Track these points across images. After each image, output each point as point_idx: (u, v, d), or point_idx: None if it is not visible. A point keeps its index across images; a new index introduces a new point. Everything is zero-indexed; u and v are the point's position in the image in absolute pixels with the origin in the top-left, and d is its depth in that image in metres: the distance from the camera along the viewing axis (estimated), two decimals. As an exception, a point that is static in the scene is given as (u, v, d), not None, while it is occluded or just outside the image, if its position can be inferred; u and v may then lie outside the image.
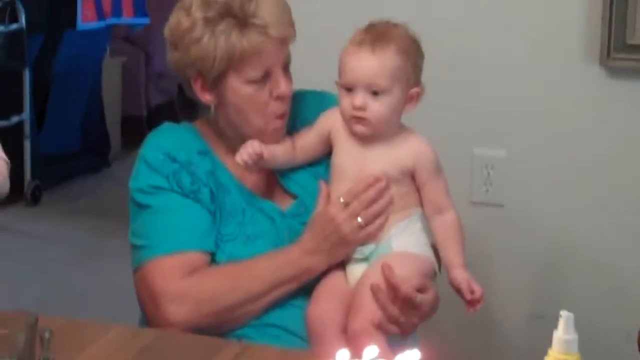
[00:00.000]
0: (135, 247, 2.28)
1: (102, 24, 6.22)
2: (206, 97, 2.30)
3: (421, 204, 2.25)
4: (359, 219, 2.19)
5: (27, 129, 6.01)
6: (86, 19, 6.08)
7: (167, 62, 2.33)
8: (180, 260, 2.21)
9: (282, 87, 2.25)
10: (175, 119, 7.73)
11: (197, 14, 2.22)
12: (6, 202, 5.69)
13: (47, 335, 1.94)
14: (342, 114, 2.22)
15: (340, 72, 2.22)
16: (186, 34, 2.24)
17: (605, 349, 2.52)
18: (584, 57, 2.87)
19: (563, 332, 1.58)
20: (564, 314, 1.58)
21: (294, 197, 2.36)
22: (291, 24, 2.28)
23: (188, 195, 2.26)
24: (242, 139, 2.27)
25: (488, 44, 2.94)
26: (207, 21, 2.21)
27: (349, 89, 2.18)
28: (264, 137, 2.26)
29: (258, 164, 2.26)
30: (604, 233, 2.92)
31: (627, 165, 2.88)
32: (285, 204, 2.35)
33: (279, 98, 2.26)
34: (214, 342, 2.10)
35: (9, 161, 2.64)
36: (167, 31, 2.30)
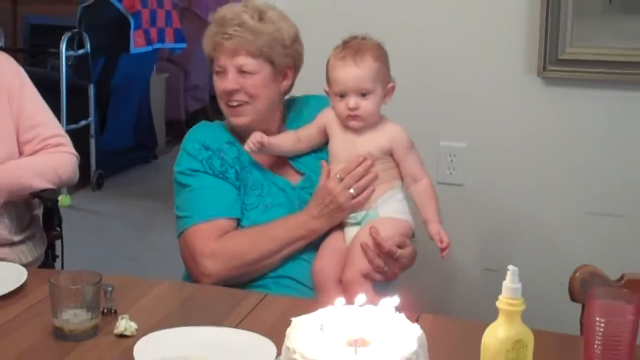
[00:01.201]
0: (178, 218, 2.31)
1: (149, 48, 6.20)
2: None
3: (401, 177, 2.27)
4: (351, 191, 2.22)
5: (92, 130, 6.00)
6: (137, 45, 6.07)
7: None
8: (213, 226, 2.25)
9: (227, 84, 2.32)
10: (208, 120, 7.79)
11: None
12: (76, 188, 5.74)
13: (109, 289, 1.96)
14: (339, 115, 2.25)
15: (331, 82, 2.25)
16: None
17: (544, 295, 2.52)
18: (526, 69, 2.88)
19: (510, 282, 1.58)
20: (510, 267, 1.58)
21: (302, 174, 2.38)
22: (244, 42, 2.30)
23: (217, 176, 2.29)
24: (245, 134, 2.34)
25: (450, 59, 2.96)
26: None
27: (342, 95, 2.20)
28: (229, 121, 2.38)
29: (262, 150, 2.30)
30: (542, 205, 2.93)
31: (559, 153, 2.90)
32: (295, 180, 2.38)
33: (225, 93, 2.33)
34: (239, 293, 2.12)
35: (78, 156, 2.65)
36: None
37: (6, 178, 2.43)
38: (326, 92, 2.30)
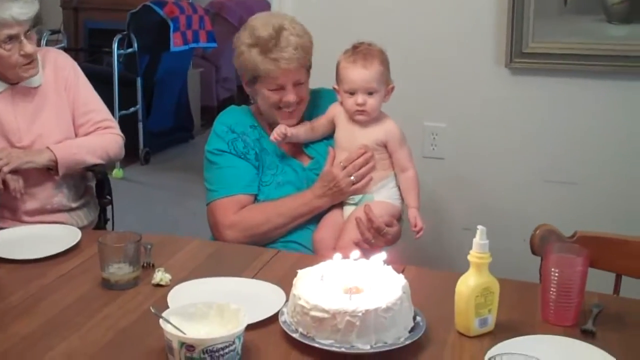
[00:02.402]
0: (207, 190, 2.29)
1: (186, 47, 6.15)
2: (247, 90, 2.33)
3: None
4: (352, 178, 2.19)
5: (139, 115, 5.97)
6: (176, 44, 6.03)
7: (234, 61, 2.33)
8: (233, 200, 2.22)
9: (289, 97, 2.23)
10: (236, 107, 7.78)
11: (245, 37, 2.25)
12: (127, 163, 5.74)
13: (148, 247, 1.96)
14: (347, 109, 2.21)
15: (341, 80, 2.20)
16: (237, 48, 2.28)
17: (509, 250, 2.51)
18: (495, 61, 2.85)
19: (479, 239, 1.57)
20: (479, 227, 1.57)
21: (312, 157, 2.34)
22: (303, 58, 2.22)
23: (240, 156, 2.26)
24: (266, 117, 2.31)
25: (432, 53, 2.94)
26: (248, 45, 2.23)
27: (351, 93, 2.17)
28: (276, 120, 2.28)
29: (285, 140, 2.26)
30: (508, 174, 2.93)
31: (523, 131, 2.89)
32: (306, 162, 2.34)
33: (287, 104, 2.24)
34: (256, 250, 2.11)
35: (124, 136, 2.64)
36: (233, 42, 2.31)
37: (64, 154, 2.41)
38: (335, 89, 2.26)
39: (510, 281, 1.78)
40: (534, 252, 2.03)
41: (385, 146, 2.22)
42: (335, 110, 2.28)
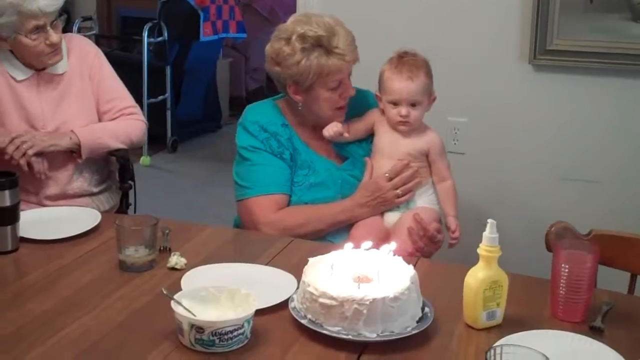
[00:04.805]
0: (239, 185, 2.27)
1: (216, 37, 6.19)
2: (297, 97, 2.25)
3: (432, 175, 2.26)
4: (398, 191, 2.19)
5: (168, 103, 6.01)
6: (206, 34, 6.06)
7: (268, 71, 2.27)
8: (272, 199, 2.21)
9: (350, 91, 2.23)
10: (263, 98, 7.79)
11: (297, 44, 2.17)
12: (155, 150, 5.80)
13: (167, 231, 1.99)
14: (390, 119, 2.22)
15: (385, 90, 2.21)
16: (288, 58, 2.18)
17: (525, 246, 2.50)
18: (518, 57, 2.85)
19: (489, 232, 1.58)
20: (489, 221, 1.58)
21: (345, 158, 2.33)
22: (356, 51, 2.22)
23: (276, 155, 2.24)
24: (316, 120, 2.27)
25: (456, 51, 2.93)
26: (304, 50, 2.16)
27: (395, 103, 2.18)
28: (330, 121, 2.25)
29: (335, 139, 2.26)
30: (526, 170, 2.93)
31: (544, 127, 2.88)
32: (339, 162, 2.33)
33: (345, 98, 2.23)
34: (271, 237, 2.12)
35: (147, 123, 2.67)
36: (270, 53, 2.23)
37: (88, 138, 2.45)
38: (377, 97, 2.26)
39: (521, 276, 1.79)
40: (548, 249, 2.03)
41: (426, 155, 2.23)
42: (374, 117, 2.28)
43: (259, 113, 2.31)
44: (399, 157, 2.21)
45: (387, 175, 2.19)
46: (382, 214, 2.23)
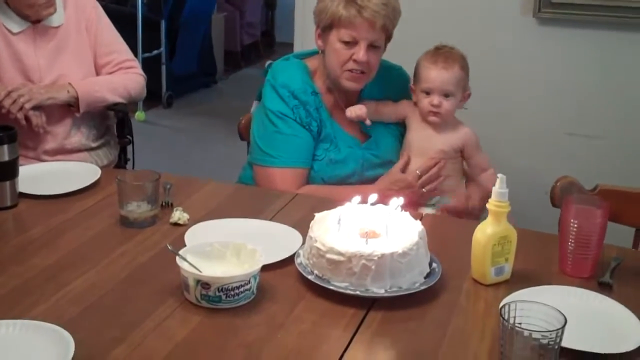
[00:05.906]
0: (261, 150, 2.21)
1: (211, -9, 6.13)
2: (318, 43, 2.22)
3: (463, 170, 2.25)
4: (424, 190, 2.17)
5: (163, 58, 5.96)
6: (201, -13, 6.00)
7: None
8: (295, 173, 2.18)
9: (359, 55, 2.13)
10: (258, 53, 7.73)
11: None
12: (150, 106, 5.75)
13: (168, 187, 1.96)
14: (421, 109, 2.20)
15: (420, 79, 2.18)
16: None
17: (530, 202, 2.49)
18: (523, 11, 2.84)
19: (498, 187, 1.56)
20: (499, 175, 1.57)
21: (369, 136, 2.28)
22: (388, 17, 2.13)
23: (304, 126, 2.19)
24: (333, 79, 2.21)
25: (462, 7, 2.89)
26: None
27: (427, 93, 2.16)
28: (339, 82, 2.19)
29: (356, 120, 2.23)
30: (532, 125, 2.91)
31: (548, 81, 2.87)
32: (362, 139, 2.28)
33: (354, 61, 2.15)
34: (274, 192, 2.10)
35: (145, 76, 2.63)
36: None
37: (86, 91, 2.41)
38: (412, 89, 2.22)
39: (529, 231, 1.78)
40: (554, 204, 2.02)
41: (461, 151, 2.20)
42: (407, 110, 2.25)
43: (290, 77, 2.23)
44: (432, 154, 2.18)
45: (418, 173, 2.17)
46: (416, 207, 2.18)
